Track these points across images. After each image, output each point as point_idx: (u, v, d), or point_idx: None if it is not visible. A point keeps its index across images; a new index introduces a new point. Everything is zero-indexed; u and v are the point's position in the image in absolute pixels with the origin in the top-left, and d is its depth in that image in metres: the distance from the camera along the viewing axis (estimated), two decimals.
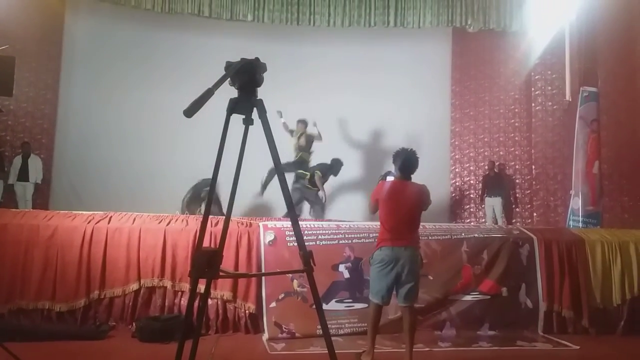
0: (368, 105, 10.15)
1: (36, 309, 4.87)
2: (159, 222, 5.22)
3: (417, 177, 11.37)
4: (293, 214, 2.33)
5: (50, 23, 9.48)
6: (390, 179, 4.31)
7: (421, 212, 4.16)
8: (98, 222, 5.13)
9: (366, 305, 5.10)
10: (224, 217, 2.27)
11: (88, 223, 5.09)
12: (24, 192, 8.79)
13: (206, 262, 2.17)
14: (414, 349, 4.05)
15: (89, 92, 9.71)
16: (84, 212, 5.39)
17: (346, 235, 5.24)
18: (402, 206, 4.04)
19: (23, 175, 8.80)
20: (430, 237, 5.43)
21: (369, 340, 4.06)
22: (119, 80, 9.72)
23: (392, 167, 9.98)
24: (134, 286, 4.96)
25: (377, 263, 4.03)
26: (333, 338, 2.46)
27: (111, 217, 5.24)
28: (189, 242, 5.02)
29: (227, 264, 4.62)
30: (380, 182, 4.46)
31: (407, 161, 4.13)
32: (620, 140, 8.18)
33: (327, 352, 2.36)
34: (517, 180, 10.11)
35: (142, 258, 4.99)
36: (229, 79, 2.19)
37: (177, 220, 5.35)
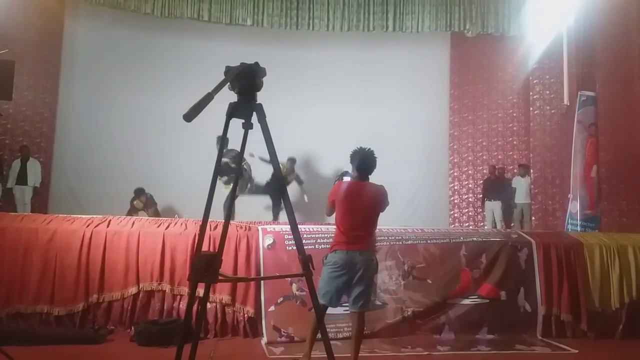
0: (366, 109, 10.18)
1: (34, 313, 4.85)
2: (158, 226, 5.22)
3: (415, 182, 11.36)
4: (292, 218, 2.34)
5: (50, 27, 9.50)
6: (347, 179, 4.10)
7: (378, 213, 3.96)
8: (97, 225, 5.12)
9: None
10: (224, 221, 2.27)
11: (87, 227, 5.08)
12: (22, 196, 8.78)
13: (205, 266, 2.17)
14: (413, 353, 4.01)
15: (88, 95, 9.73)
16: (83, 216, 5.39)
17: None
18: (358, 207, 3.86)
19: (22, 179, 8.79)
20: (429, 241, 5.43)
21: (307, 343, 3.87)
22: (118, 84, 9.74)
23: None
24: (133, 290, 4.95)
25: (331, 265, 3.83)
26: (332, 342, 2.46)
27: (110, 220, 5.24)
28: (187, 245, 5.02)
29: (226, 267, 4.62)
30: (337, 183, 4.19)
31: (364, 161, 3.92)
32: (618, 144, 8.20)
33: (325, 356, 2.37)
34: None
35: (141, 262, 4.98)
36: (228, 83, 2.19)
37: (175, 224, 5.35)
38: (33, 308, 4.85)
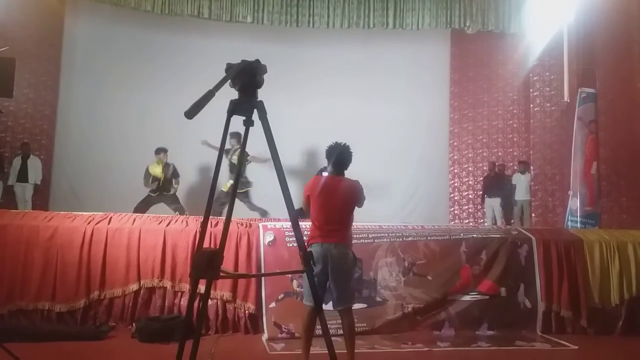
0: (367, 106, 10.17)
1: (36, 310, 4.89)
2: (159, 223, 5.23)
3: (415, 179, 11.35)
4: (294, 215, 2.35)
5: (50, 24, 9.48)
6: (325, 174, 4.05)
7: (353, 208, 3.94)
8: (98, 222, 5.14)
9: (366, 305, 5.13)
10: (225, 217, 2.28)
11: (88, 224, 5.10)
12: (23, 193, 8.79)
13: (207, 263, 2.18)
14: (413, 349, 4.01)
15: (88, 93, 9.72)
16: (84, 213, 5.41)
17: None
18: (333, 203, 3.84)
19: (22, 176, 8.80)
20: (429, 238, 5.45)
21: (302, 349, 3.79)
22: (119, 81, 9.72)
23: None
24: (134, 287, 4.98)
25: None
26: (332, 338, 2.47)
27: (111, 217, 5.26)
28: (188, 242, 5.04)
29: (226, 264, 4.62)
30: (313, 178, 4.17)
31: (340, 156, 3.91)
32: (618, 141, 8.20)
33: (326, 352, 2.38)
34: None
35: (142, 259, 5.00)
36: (229, 80, 2.20)
37: (177, 221, 5.36)
38: (35, 305, 4.88)
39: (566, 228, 7.41)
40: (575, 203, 7.77)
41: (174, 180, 8.59)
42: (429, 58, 10.81)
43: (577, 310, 5.38)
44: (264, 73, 2.26)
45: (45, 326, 4.75)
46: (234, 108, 2.21)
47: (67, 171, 9.65)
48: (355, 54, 10.28)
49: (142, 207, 8.22)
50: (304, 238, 2.88)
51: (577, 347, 4.87)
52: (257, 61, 2.26)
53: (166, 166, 8.53)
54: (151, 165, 8.51)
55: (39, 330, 4.61)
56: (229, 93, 2.26)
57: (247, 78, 2.20)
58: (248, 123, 2.23)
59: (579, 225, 7.54)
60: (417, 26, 9.16)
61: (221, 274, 2.27)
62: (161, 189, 8.48)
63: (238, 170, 2.36)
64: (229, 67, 2.22)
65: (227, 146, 8.20)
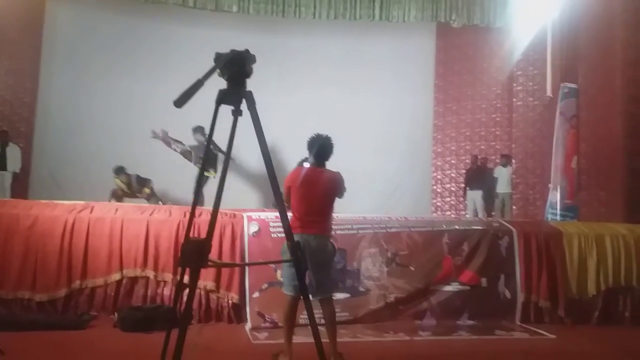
0: (351, 98, 10.19)
1: (16, 299, 4.81)
2: (142, 213, 5.19)
3: (399, 171, 11.39)
4: (281, 205, 2.36)
5: (31, 11, 9.27)
6: (307, 165, 4.04)
7: (334, 200, 3.95)
8: (80, 211, 5.07)
9: (349, 295, 5.17)
10: (212, 207, 2.28)
11: (70, 213, 5.03)
12: (2, 182, 8.62)
13: (195, 252, 2.18)
14: (395, 338, 4.04)
15: (69, 81, 9.57)
16: (66, 202, 5.34)
17: None
18: (314, 194, 3.83)
19: (1, 164, 8.64)
20: (412, 229, 5.50)
21: (285, 339, 3.78)
22: (100, 70, 9.59)
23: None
24: (116, 276, 4.93)
25: (287, 252, 3.57)
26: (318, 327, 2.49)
27: (93, 207, 5.19)
28: (171, 232, 5.00)
29: (211, 254, 4.62)
30: (295, 169, 4.16)
31: (322, 148, 3.91)
32: (598, 136, 8.35)
33: (309, 341, 2.41)
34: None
35: (125, 248, 4.96)
36: (218, 70, 2.19)
37: (160, 210, 5.32)
38: (14, 294, 4.80)
39: (546, 220, 7.53)
40: (555, 196, 7.90)
41: (143, 189, 8.76)
42: (414, 51, 10.85)
43: (555, 301, 5.49)
44: (253, 63, 2.26)
45: (26, 315, 4.68)
46: (223, 98, 2.20)
47: (48, 159, 9.52)
48: (340, 46, 10.27)
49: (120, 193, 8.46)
50: None
51: (554, 337, 4.97)
52: (247, 51, 2.25)
53: (129, 180, 8.74)
54: (116, 180, 8.70)
55: (19, 320, 4.54)
56: (217, 82, 2.25)
57: (236, 68, 2.20)
58: (236, 113, 2.22)
59: (558, 217, 7.67)
60: (403, 19, 9.21)
61: (209, 263, 2.28)
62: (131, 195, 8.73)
63: (226, 159, 2.34)
64: (218, 57, 2.21)
65: (194, 143, 8.34)
